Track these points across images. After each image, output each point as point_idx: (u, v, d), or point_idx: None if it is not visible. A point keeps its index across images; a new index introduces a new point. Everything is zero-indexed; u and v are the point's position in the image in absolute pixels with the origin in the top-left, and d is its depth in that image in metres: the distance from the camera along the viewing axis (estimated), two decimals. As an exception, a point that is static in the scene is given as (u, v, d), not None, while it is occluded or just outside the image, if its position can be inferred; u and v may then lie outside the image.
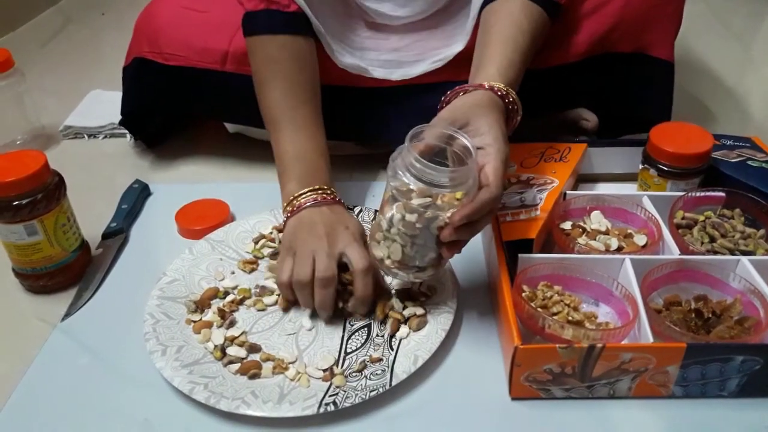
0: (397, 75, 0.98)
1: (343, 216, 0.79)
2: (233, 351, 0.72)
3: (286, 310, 0.78)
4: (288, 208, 0.80)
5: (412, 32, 0.99)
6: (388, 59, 0.98)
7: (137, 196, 0.99)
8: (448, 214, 0.66)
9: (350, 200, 0.92)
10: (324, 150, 0.86)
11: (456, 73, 0.94)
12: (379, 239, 0.71)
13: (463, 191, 0.65)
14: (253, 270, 0.84)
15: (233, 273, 0.83)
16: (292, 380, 0.69)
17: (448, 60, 0.96)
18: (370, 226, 0.82)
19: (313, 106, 0.88)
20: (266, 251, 0.86)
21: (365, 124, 1.01)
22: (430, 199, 0.65)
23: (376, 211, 0.90)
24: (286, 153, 0.84)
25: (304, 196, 0.79)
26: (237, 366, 0.71)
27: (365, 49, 0.98)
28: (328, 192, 0.81)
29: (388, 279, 0.79)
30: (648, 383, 0.67)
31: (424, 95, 0.97)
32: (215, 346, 0.73)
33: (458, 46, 0.95)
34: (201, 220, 0.92)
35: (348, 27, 0.98)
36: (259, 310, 0.78)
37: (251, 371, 0.70)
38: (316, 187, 0.80)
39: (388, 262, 0.71)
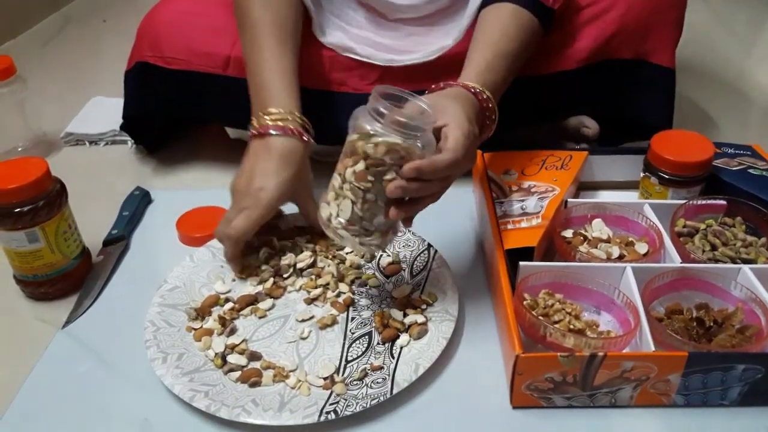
0: (382, 59, 0.98)
1: (274, 167, 0.81)
2: (234, 359, 0.72)
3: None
4: (256, 125, 0.83)
5: (410, 26, 0.99)
6: (380, 42, 0.98)
7: (138, 203, 0.99)
8: (407, 150, 0.66)
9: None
10: (290, 78, 0.87)
11: (445, 79, 0.94)
12: (329, 199, 0.70)
13: (419, 144, 0.66)
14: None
15: (234, 281, 0.83)
16: (292, 388, 0.69)
17: (436, 55, 0.96)
18: None
19: (280, 39, 0.88)
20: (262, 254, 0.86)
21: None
22: (381, 140, 0.65)
23: None
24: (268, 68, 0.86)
25: (272, 119, 0.82)
26: (237, 374, 0.70)
27: (361, 28, 0.99)
28: (298, 121, 0.83)
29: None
30: (649, 392, 0.67)
31: None
32: (216, 353, 0.72)
33: (449, 42, 0.95)
34: (202, 227, 0.92)
35: (347, 5, 0.99)
36: (260, 318, 0.78)
37: (252, 379, 0.70)
38: (287, 115, 0.83)
39: (335, 222, 0.69)
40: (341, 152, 0.70)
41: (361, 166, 0.66)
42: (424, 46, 0.98)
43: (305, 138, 0.83)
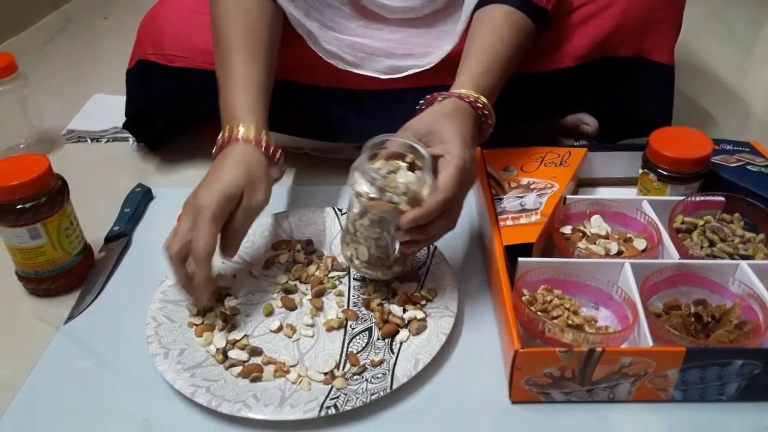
0: (382, 69, 0.97)
1: (225, 166, 0.76)
2: (235, 354, 0.72)
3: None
4: (218, 142, 0.81)
5: (405, 28, 0.99)
6: (377, 47, 0.98)
7: (140, 200, 0.99)
8: (398, 210, 0.69)
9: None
10: (251, 92, 0.84)
11: (442, 77, 0.94)
12: (348, 241, 0.76)
13: (412, 196, 0.69)
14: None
15: (235, 276, 0.84)
16: (293, 383, 0.70)
17: (436, 62, 0.95)
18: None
19: (248, 52, 0.85)
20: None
21: (360, 125, 1.01)
22: (384, 206, 0.69)
23: None
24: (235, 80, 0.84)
25: (235, 135, 0.79)
26: (239, 369, 0.71)
27: (355, 36, 0.98)
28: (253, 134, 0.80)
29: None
30: (648, 387, 0.67)
31: (411, 98, 0.98)
32: (217, 349, 0.73)
33: (447, 47, 0.95)
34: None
35: (337, 13, 0.98)
36: (266, 315, 0.78)
37: (253, 374, 0.70)
38: (251, 132, 0.80)
39: (357, 262, 0.76)
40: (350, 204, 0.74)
41: (366, 221, 0.72)
42: (421, 48, 0.98)
43: (270, 150, 0.80)
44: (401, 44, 0.98)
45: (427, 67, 0.96)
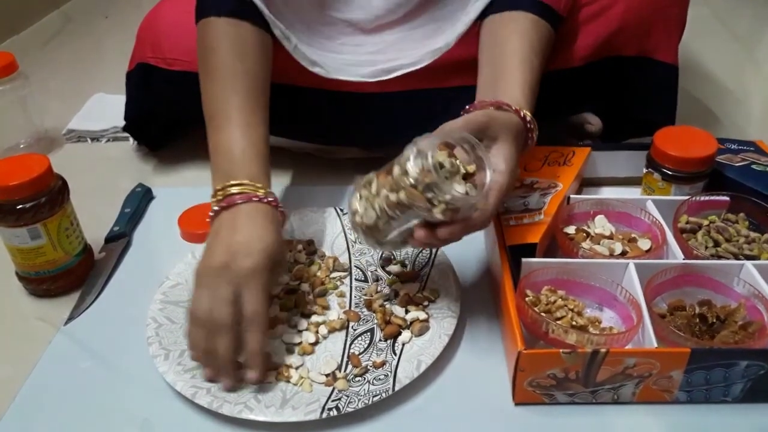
0: (367, 72, 0.94)
1: (257, 227, 0.70)
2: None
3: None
4: (220, 198, 0.73)
5: (390, 35, 0.97)
6: (361, 59, 0.95)
7: (140, 200, 0.99)
8: (429, 214, 0.64)
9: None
10: (259, 147, 0.78)
11: (442, 80, 0.94)
12: (363, 195, 0.68)
13: (451, 209, 0.63)
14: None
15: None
16: (294, 385, 0.69)
17: (427, 62, 0.94)
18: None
19: (251, 98, 0.80)
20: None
21: (360, 128, 1.00)
22: (419, 201, 0.63)
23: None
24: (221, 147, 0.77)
25: (240, 189, 0.73)
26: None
27: (337, 53, 0.96)
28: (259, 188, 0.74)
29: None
30: (652, 388, 0.67)
31: (412, 100, 0.97)
32: None
33: (438, 45, 0.93)
34: (204, 223, 0.90)
35: (317, 32, 0.95)
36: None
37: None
38: (257, 188, 0.74)
39: (358, 218, 0.69)
40: (392, 160, 0.66)
41: (393, 197, 0.64)
42: (407, 50, 0.95)
43: (281, 209, 0.75)
44: (383, 54, 0.96)
45: (418, 67, 0.94)
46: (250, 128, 0.78)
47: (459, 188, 0.63)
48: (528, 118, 0.74)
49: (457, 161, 0.65)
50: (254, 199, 0.72)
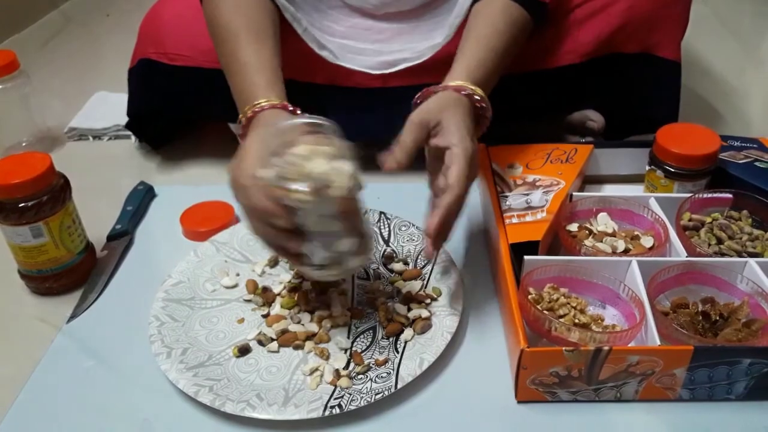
0: (372, 63, 0.96)
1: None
2: (269, 332, 0.75)
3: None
4: (242, 119, 0.77)
5: (395, 24, 0.98)
6: (368, 48, 0.97)
7: (142, 198, 0.98)
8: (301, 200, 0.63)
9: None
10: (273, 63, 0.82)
11: (444, 74, 0.94)
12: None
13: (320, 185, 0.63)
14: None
15: (238, 275, 0.83)
16: (308, 352, 0.72)
17: (428, 55, 0.95)
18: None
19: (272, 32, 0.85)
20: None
21: (362, 124, 1.00)
22: (295, 195, 0.63)
23: (377, 211, 0.90)
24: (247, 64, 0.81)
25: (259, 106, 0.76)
26: (275, 345, 0.73)
27: (343, 38, 0.98)
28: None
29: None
30: (655, 386, 0.67)
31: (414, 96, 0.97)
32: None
33: (438, 40, 0.94)
34: (206, 222, 0.92)
35: (325, 16, 0.98)
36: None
37: (294, 342, 0.73)
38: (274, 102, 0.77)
39: (308, 267, 0.70)
40: None
41: (308, 216, 0.65)
42: (411, 42, 0.97)
43: (296, 111, 0.78)
44: (389, 44, 0.98)
45: (420, 61, 0.95)
46: (262, 61, 0.81)
47: (318, 166, 0.63)
48: (471, 92, 0.76)
49: (324, 147, 0.65)
50: (264, 109, 0.75)
